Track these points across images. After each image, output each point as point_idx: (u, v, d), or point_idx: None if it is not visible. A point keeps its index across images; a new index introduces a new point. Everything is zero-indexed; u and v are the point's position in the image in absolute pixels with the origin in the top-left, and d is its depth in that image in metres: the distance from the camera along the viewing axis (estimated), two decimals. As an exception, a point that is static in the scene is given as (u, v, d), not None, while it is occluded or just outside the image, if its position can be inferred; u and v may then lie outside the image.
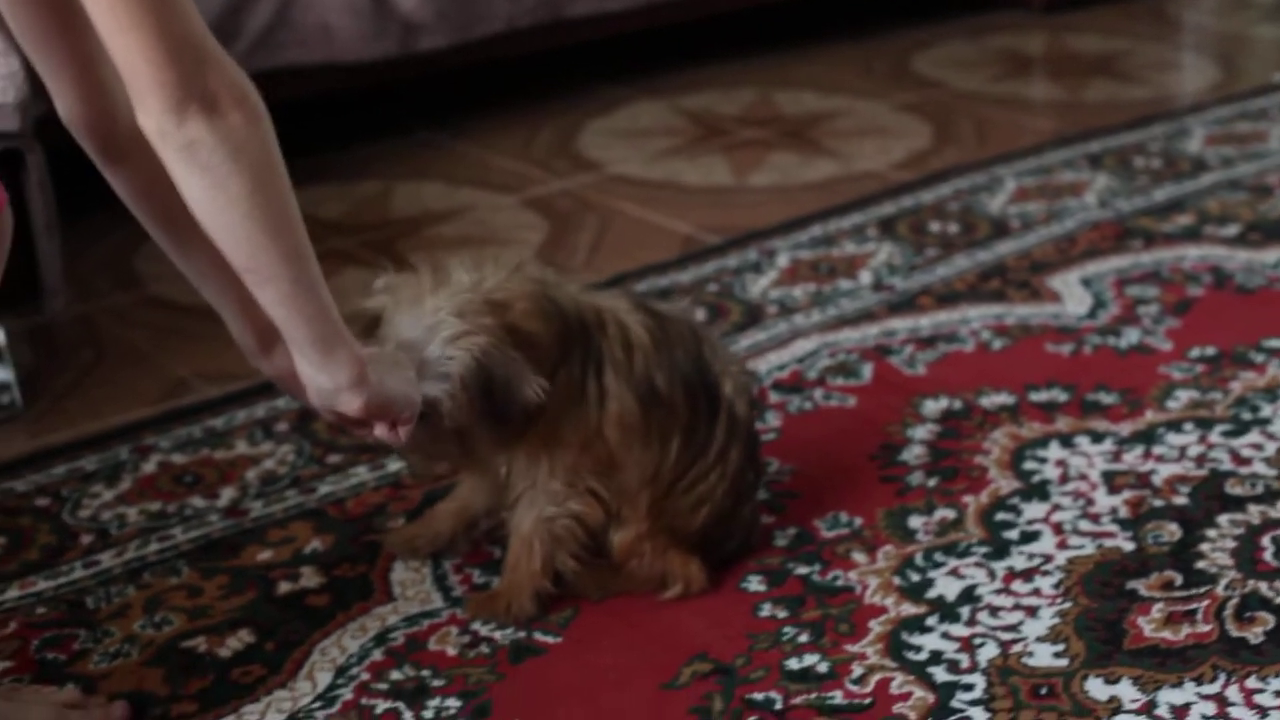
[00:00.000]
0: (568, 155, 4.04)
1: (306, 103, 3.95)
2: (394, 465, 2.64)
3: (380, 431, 2.04)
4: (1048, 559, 2.34)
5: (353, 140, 4.13)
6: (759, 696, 2.09)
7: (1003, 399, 2.77)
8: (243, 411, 2.82)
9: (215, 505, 2.56)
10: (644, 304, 2.23)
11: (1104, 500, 2.48)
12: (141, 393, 2.93)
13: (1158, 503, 2.46)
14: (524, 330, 2.11)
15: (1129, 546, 2.36)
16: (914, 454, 2.62)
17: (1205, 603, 2.22)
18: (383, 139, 4.14)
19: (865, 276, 3.26)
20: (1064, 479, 2.54)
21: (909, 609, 2.24)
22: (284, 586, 2.35)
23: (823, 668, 2.14)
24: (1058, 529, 2.41)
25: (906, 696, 2.08)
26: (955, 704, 2.06)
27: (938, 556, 2.36)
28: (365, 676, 2.16)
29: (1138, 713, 2.03)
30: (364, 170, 3.95)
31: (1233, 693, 2.05)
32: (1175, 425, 2.67)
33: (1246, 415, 2.69)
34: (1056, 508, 2.46)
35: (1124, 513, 2.44)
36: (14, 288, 2.87)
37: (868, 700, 2.08)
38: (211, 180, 1.74)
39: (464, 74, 4.26)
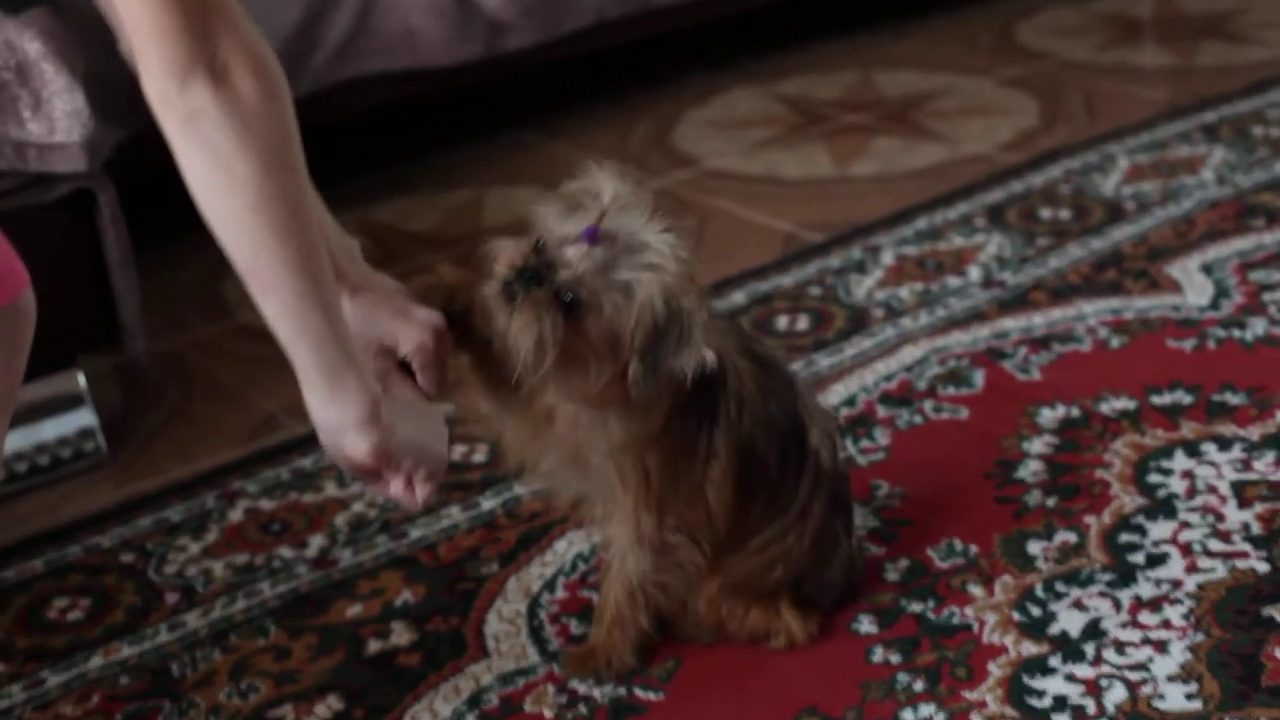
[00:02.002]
0: (664, 150, 3.92)
1: (391, 111, 3.85)
2: (488, 504, 2.53)
3: (394, 489, 1.85)
4: (1176, 585, 2.21)
5: (441, 147, 4.02)
6: (873, 755, 1.98)
7: (1123, 404, 2.63)
8: (331, 450, 2.73)
9: (303, 555, 2.47)
10: (751, 348, 2.09)
11: (1234, 515, 2.34)
12: (229, 431, 2.85)
13: (1292, 516, 2.33)
14: None
15: (1263, 567, 2.22)
16: (1031, 470, 2.49)
17: (1348, 632, 2.08)
18: (472, 144, 4.04)
19: (974, 272, 3.13)
20: (1191, 492, 2.40)
21: (1030, 648, 2.12)
22: (374, 645, 2.26)
23: (939, 719, 2.02)
24: (1186, 550, 2.27)
25: (1030, 751, 1.96)
26: (1082, 758, 1.94)
27: (1059, 586, 2.23)
28: (458, 745, 2.06)
29: (1280, 762, 1.90)
30: (454, 178, 3.84)
31: (1382, 736, 1.91)
32: (1308, 427, 2.53)
33: (1384, 413, 2.54)
34: (1184, 525, 2.32)
35: (1256, 529, 2.30)
36: (96, 329, 2.82)
37: (989, 756, 1.96)
38: (213, 158, 1.56)
39: (553, 71, 4.14)
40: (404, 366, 1.96)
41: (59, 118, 2.57)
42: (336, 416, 1.75)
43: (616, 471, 1.99)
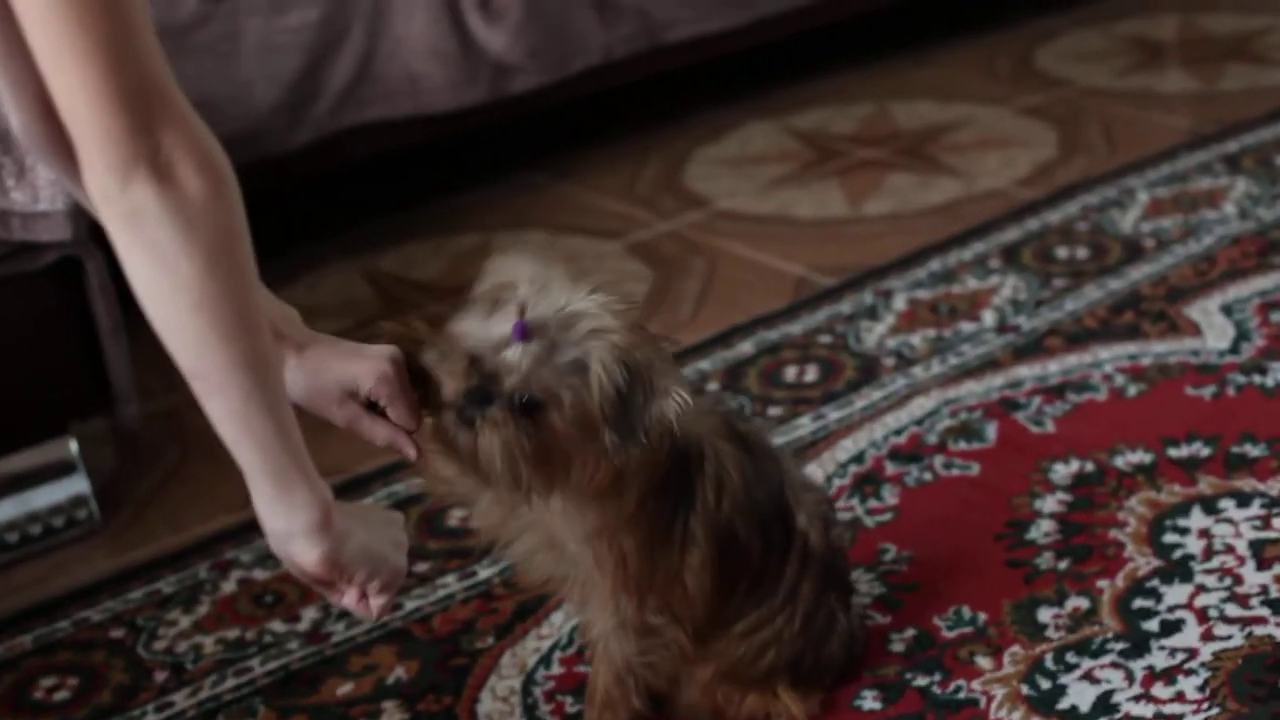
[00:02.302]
0: (674, 191, 3.85)
1: (395, 156, 3.79)
2: (485, 572, 2.47)
3: (348, 600, 1.76)
4: (1191, 654, 2.13)
5: (446, 192, 3.94)
6: (873, 845, 1.91)
7: (1139, 458, 2.55)
8: (327, 515, 2.66)
9: (295, 630, 2.40)
10: (736, 429, 2.01)
11: (1253, 577, 2.26)
12: (225, 496, 2.78)
13: (1313, 578, 2.25)
14: None
15: (1282, 634, 2.14)
16: (1043, 531, 2.41)
17: (1370, 706, 2.00)
18: (478, 187, 3.96)
19: (988, 317, 3.05)
20: (1208, 553, 2.32)
21: (1039, 726, 2.04)
22: (364, 727, 2.20)
23: (944, 805, 1.94)
24: (1202, 616, 2.20)
25: (1037, 839, 1.89)
26: (1091, 847, 1.86)
27: (1070, 657, 2.15)
28: (446, 838, 1.99)
29: None
30: (460, 223, 3.77)
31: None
32: (1331, 480, 2.45)
33: None
34: (1200, 589, 2.25)
35: (1275, 592, 2.22)
36: (88, 395, 2.76)
37: (994, 846, 1.89)
38: (157, 259, 1.48)
39: (561, 111, 4.06)
40: (372, 407, 1.88)
41: (43, 186, 2.52)
42: (284, 523, 1.67)
43: (593, 556, 1.92)
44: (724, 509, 1.95)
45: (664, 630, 1.99)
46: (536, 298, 1.78)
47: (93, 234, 2.66)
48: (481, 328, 1.79)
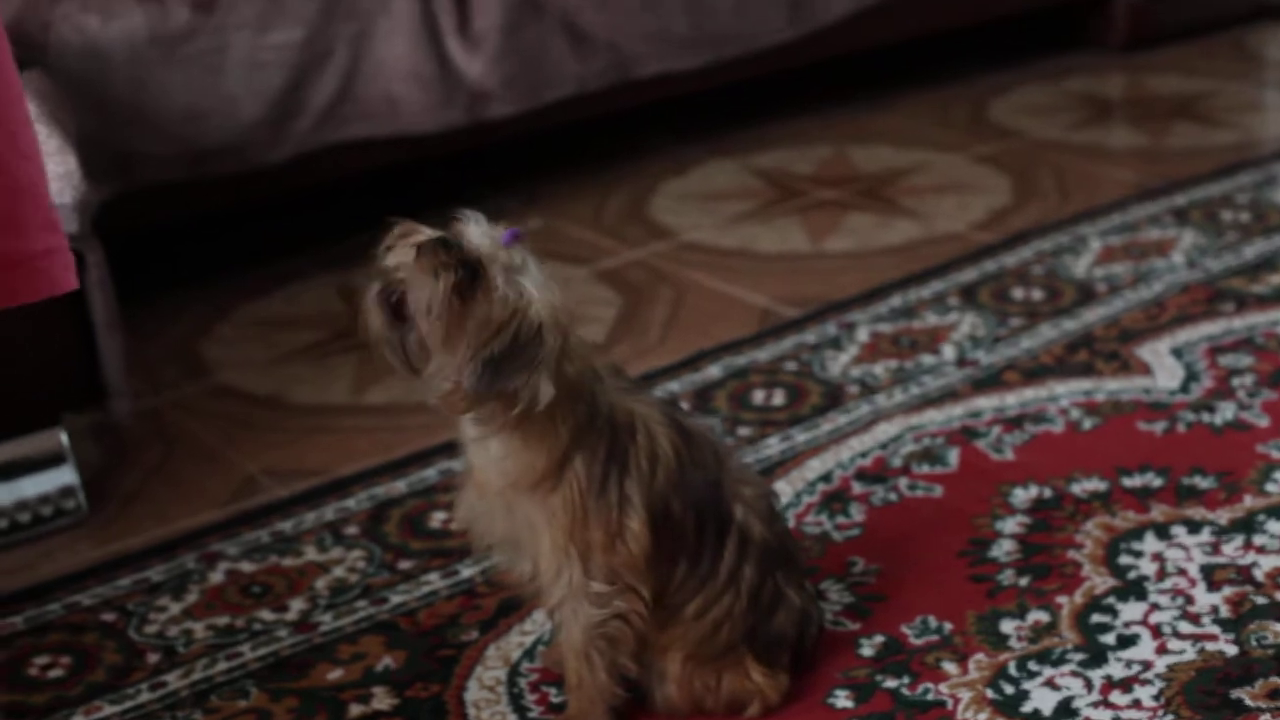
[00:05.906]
0: (640, 222, 3.96)
1: (372, 176, 3.88)
2: (467, 571, 2.56)
3: None
4: (1147, 666, 2.24)
5: (420, 212, 4.02)
6: (849, 830, 2.01)
7: (1095, 485, 2.67)
8: (311, 514, 2.75)
9: (284, 619, 2.49)
10: (675, 418, 2.13)
11: (1204, 598, 2.38)
12: (209, 493, 2.87)
13: (1260, 600, 2.36)
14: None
15: (1231, 650, 2.26)
16: (1004, 550, 2.52)
17: (1315, 716, 2.12)
18: (451, 209, 4.04)
19: (948, 351, 3.17)
20: (1161, 575, 2.44)
21: (1003, 727, 2.15)
22: (355, 710, 2.28)
23: (915, 796, 2.05)
24: (1156, 631, 2.31)
25: (1004, 828, 1.99)
26: (1055, 837, 1.97)
27: (1032, 665, 2.26)
28: (439, 813, 2.08)
29: (1248, 845, 1.93)
30: (433, 244, 3.86)
31: (1349, 821, 1.95)
32: (1276, 511, 2.56)
33: (1350, 500, 2.59)
34: (1154, 607, 2.36)
35: (1225, 612, 2.34)
36: (80, 388, 2.84)
37: (963, 833, 1.99)
38: None
39: (534, 138, 4.17)
40: None
41: (51, 180, 2.59)
42: None
43: (528, 517, 2.05)
44: (659, 479, 2.08)
45: (614, 599, 2.09)
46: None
47: (95, 228, 2.75)
48: (472, 231, 1.98)
